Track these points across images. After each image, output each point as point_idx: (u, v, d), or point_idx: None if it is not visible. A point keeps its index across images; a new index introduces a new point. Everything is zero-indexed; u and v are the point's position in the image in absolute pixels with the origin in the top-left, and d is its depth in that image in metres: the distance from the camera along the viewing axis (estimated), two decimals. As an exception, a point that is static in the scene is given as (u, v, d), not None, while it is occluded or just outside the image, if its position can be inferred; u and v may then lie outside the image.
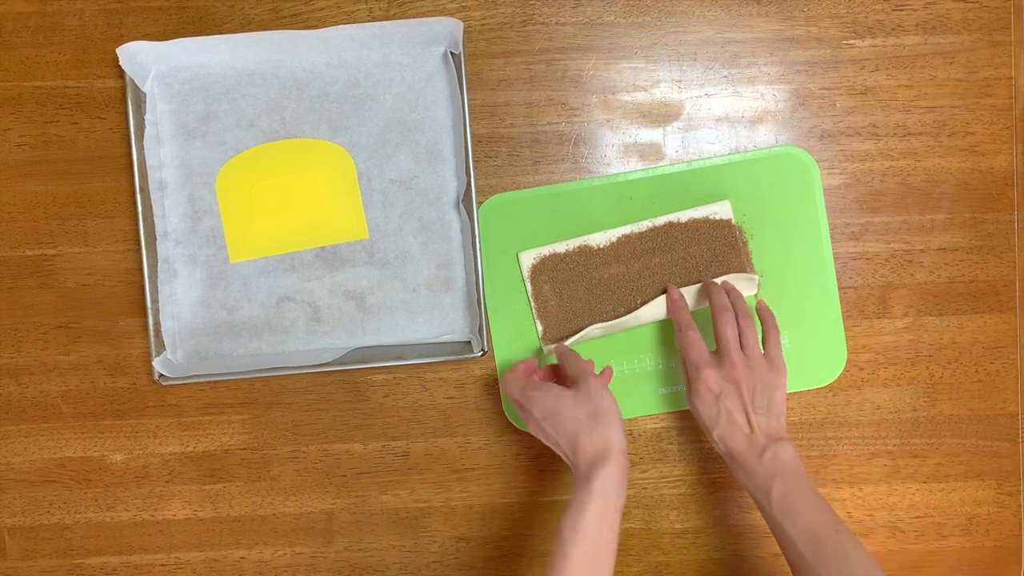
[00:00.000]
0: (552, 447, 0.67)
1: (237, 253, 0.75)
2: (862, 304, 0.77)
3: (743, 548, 0.78)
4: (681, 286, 0.74)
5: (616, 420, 0.64)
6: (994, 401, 0.78)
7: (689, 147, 0.76)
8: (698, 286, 0.74)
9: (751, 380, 0.66)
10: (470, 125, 0.72)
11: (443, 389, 0.77)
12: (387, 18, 0.75)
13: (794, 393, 0.77)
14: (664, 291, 0.74)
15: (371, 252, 0.75)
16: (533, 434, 0.68)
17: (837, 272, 0.76)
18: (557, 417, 0.65)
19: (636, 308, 0.74)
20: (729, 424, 0.66)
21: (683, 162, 0.76)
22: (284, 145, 0.75)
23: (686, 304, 0.73)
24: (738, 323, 0.69)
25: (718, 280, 0.74)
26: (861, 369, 0.77)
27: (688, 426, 0.77)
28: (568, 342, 0.74)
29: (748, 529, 0.78)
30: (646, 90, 0.76)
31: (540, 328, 0.76)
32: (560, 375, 0.72)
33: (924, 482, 0.78)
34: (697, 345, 0.69)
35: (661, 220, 0.75)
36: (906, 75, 0.76)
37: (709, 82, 0.76)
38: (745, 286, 0.74)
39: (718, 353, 0.68)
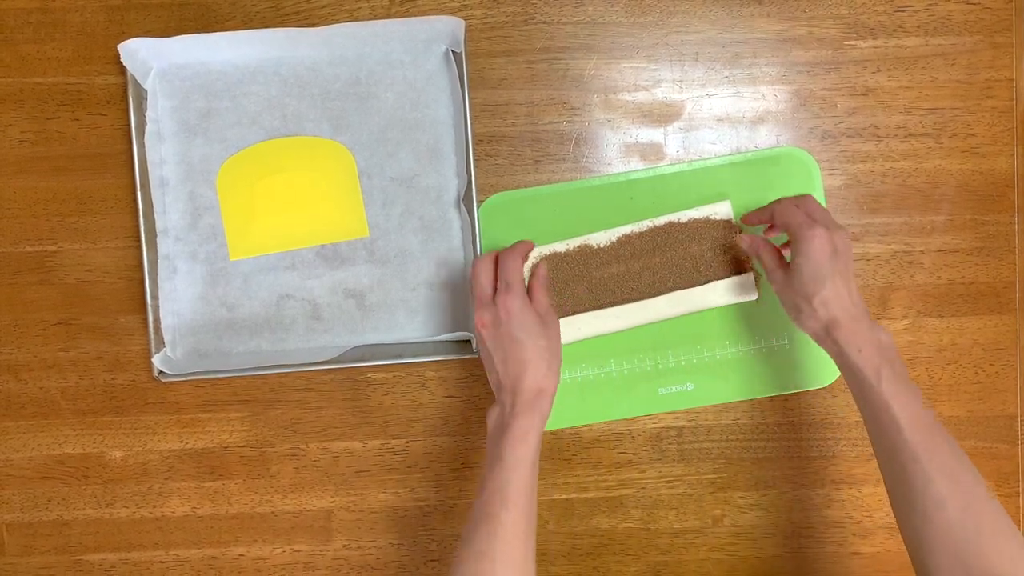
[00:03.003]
0: (497, 361, 0.64)
1: (237, 250, 0.75)
2: (862, 305, 0.77)
3: (741, 548, 0.78)
4: (681, 286, 0.74)
5: (559, 363, 0.66)
6: (993, 403, 0.78)
7: (690, 147, 0.76)
8: (680, 293, 0.74)
9: (848, 250, 0.63)
10: (471, 124, 0.72)
11: (442, 387, 0.77)
12: (389, 16, 0.75)
13: (792, 394, 0.77)
14: (657, 293, 0.75)
15: (371, 250, 0.75)
16: (484, 340, 0.65)
17: (837, 273, 0.76)
18: (523, 341, 0.63)
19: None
20: (835, 287, 0.62)
21: (684, 162, 0.76)
22: (285, 143, 0.75)
23: (756, 239, 0.70)
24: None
25: (718, 283, 0.74)
26: (861, 370, 0.77)
27: (688, 426, 0.77)
28: (570, 339, 0.74)
29: (747, 529, 0.78)
30: (647, 90, 0.76)
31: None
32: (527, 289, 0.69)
33: (923, 483, 0.78)
34: (791, 212, 0.64)
35: (661, 220, 0.75)
36: (907, 76, 0.76)
37: (710, 82, 0.76)
38: (744, 288, 0.74)
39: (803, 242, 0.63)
